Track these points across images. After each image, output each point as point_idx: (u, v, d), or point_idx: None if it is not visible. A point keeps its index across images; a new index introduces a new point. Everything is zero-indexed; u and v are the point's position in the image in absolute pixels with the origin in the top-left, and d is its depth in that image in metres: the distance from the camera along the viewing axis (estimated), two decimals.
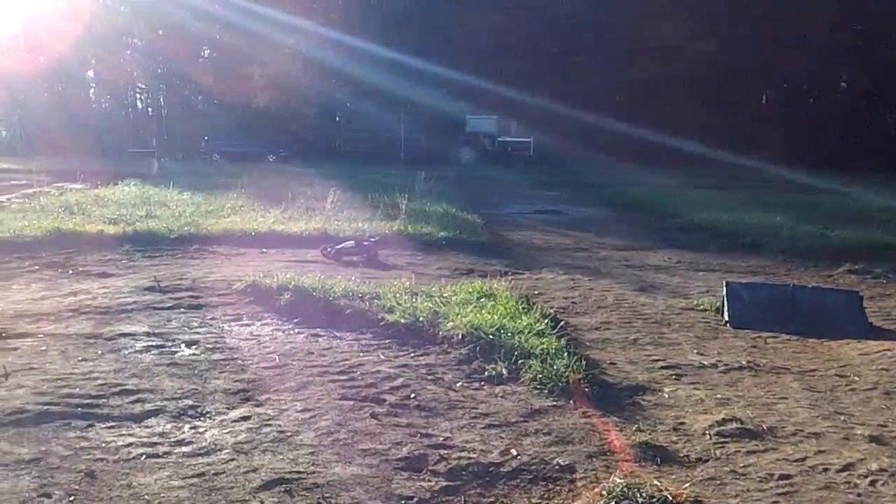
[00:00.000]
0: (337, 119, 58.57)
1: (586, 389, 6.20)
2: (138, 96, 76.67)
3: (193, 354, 7.01)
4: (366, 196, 19.07)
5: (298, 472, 4.65)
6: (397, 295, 8.60)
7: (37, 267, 11.16)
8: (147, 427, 5.33)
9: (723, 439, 5.38)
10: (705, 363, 7.23)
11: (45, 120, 62.20)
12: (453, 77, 48.10)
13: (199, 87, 67.25)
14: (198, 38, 65.32)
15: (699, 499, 4.42)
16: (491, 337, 7.18)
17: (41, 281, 10.22)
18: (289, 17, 53.98)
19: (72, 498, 4.25)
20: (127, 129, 65.11)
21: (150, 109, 76.44)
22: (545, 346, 6.92)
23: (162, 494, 4.31)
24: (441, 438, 5.24)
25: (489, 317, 7.67)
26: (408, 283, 9.22)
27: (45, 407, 5.59)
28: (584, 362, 6.64)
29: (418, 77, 49.49)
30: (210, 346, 7.27)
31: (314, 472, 4.66)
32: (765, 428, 5.57)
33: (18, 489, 4.35)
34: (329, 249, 12.40)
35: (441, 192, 21.40)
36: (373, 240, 12.66)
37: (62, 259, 11.66)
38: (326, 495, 4.38)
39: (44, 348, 7.09)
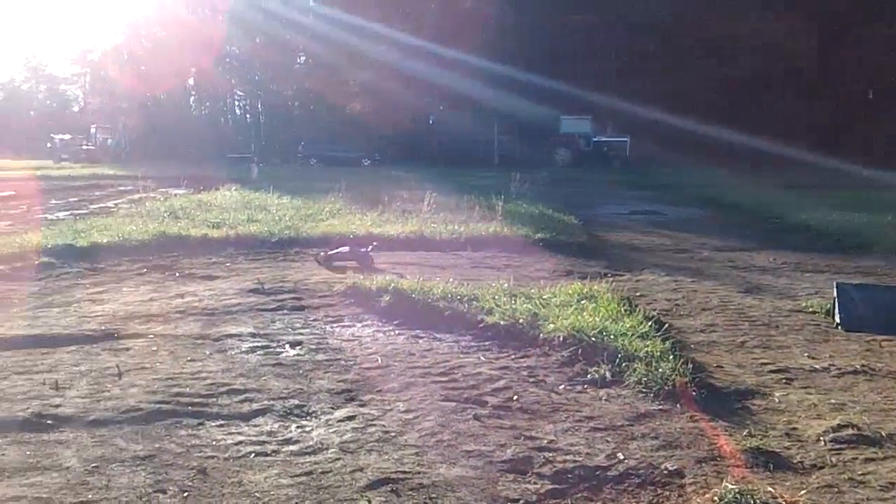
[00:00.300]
0: (430, 122, 58.93)
1: (693, 393, 6.04)
2: (236, 103, 78.80)
3: (298, 355, 7.12)
4: (461, 198, 19.11)
5: (404, 473, 4.65)
6: (496, 297, 8.58)
7: (145, 270, 11.53)
8: (255, 426, 5.42)
9: (838, 446, 5.17)
10: (817, 367, 6.96)
11: (147, 127, 64.44)
12: (546, 78, 47.91)
13: (295, 94, 68.69)
14: (293, 46, 66.73)
15: None
16: (593, 339, 7.07)
17: (149, 283, 10.54)
18: (382, 25, 54.67)
19: (185, 494, 4.35)
20: (226, 135, 66.88)
21: (247, 116, 78.45)
22: (650, 349, 6.78)
23: (271, 492, 4.37)
24: (545, 441, 5.18)
25: (591, 319, 7.57)
26: (506, 284, 9.17)
27: (158, 405, 5.75)
28: (690, 365, 6.48)
29: (511, 79, 49.47)
30: (314, 346, 7.37)
31: (420, 473, 4.66)
32: (883, 435, 5.32)
33: (135, 485, 4.47)
34: (321, 254, 12.10)
35: (536, 194, 21.30)
36: (368, 248, 12.28)
37: (168, 262, 12.01)
38: (433, 496, 4.38)
39: (154, 348, 7.31)
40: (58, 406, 5.71)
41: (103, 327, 7.99)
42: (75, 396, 5.93)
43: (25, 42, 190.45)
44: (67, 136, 66.10)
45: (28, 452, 4.94)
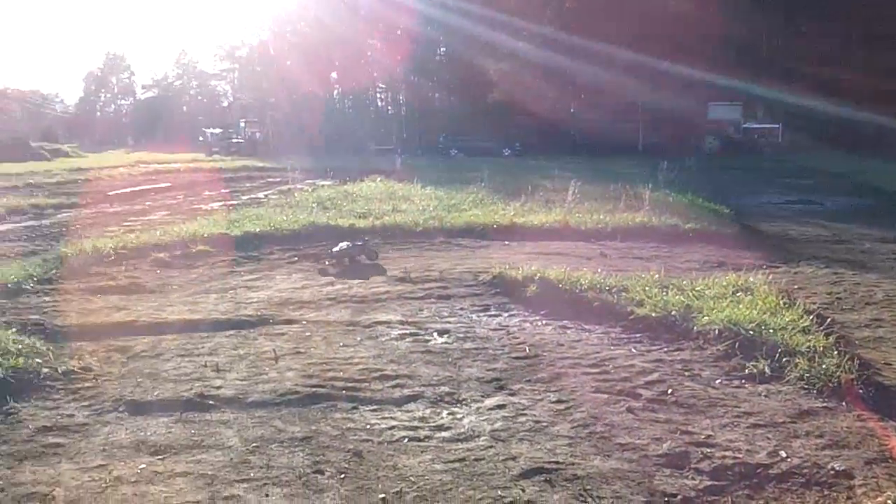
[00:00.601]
0: (571, 111, 58.34)
1: (860, 391, 5.72)
2: (378, 96, 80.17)
3: (446, 343, 7.16)
4: (606, 187, 18.81)
5: (557, 463, 4.59)
6: (646, 288, 8.37)
7: (296, 258, 11.87)
8: (407, 411, 5.47)
9: None
10: None
11: (293, 121, 66.38)
12: (693, 65, 46.53)
13: (435, 85, 69.32)
14: (434, 38, 67.34)
15: None
16: (751, 333, 6.79)
17: (301, 272, 10.84)
18: (521, 16, 54.43)
19: (342, 476, 4.43)
20: (368, 127, 68.17)
21: (389, 108, 79.75)
22: (811, 344, 6.45)
23: (426, 477, 4.40)
24: (702, 436, 5.01)
25: (747, 312, 7.27)
26: (656, 275, 8.94)
27: (313, 389, 5.89)
28: (855, 362, 6.13)
29: (655, 66, 48.30)
30: (461, 335, 7.39)
31: (573, 464, 4.59)
32: None
33: (294, 465, 4.59)
34: (332, 251, 11.39)
35: (684, 182, 20.72)
36: (364, 240, 11.94)
37: (318, 251, 12.31)
38: (587, 487, 4.30)
39: (308, 334, 7.49)
40: (219, 388, 5.94)
41: (259, 313, 8.25)
42: (235, 379, 6.15)
43: (178, 40, 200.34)
44: (218, 131, 68.99)
45: (192, 431, 5.15)
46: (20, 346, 6.53)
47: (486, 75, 58.44)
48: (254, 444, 4.89)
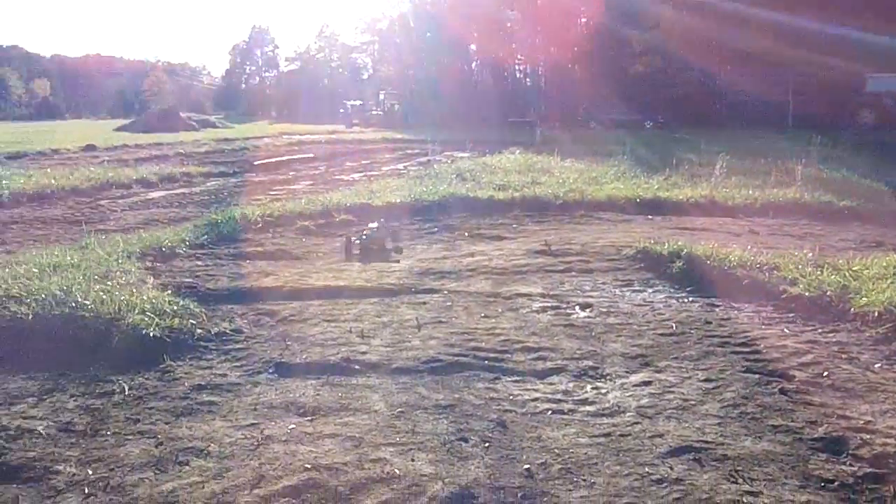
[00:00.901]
0: (716, 83, 56.39)
1: None
2: (517, 67, 79.61)
3: (588, 317, 7.07)
4: (754, 161, 18.14)
5: (706, 443, 4.47)
6: (800, 266, 8.03)
7: (436, 229, 11.98)
8: (550, 384, 5.44)
9: None
10: None
11: (432, 93, 66.82)
12: (851, 32, 44.02)
13: (575, 57, 68.23)
14: (574, 8, 66.22)
15: None
16: None
17: (441, 242, 10.94)
18: None
19: (487, 444, 4.45)
20: (506, 99, 67.91)
21: (527, 80, 79.10)
22: None
23: (571, 450, 4.36)
24: (861, 422, 4.77)
25: None
26: (810, 254, 8.56)
27: (456, 358, 5.93)
28: None
29: (807, 33, 45.96)
30: (604, 309, 7.29)
31: (723, 444, 4.45)
32: None
33: (438, 431, 4.63)
34: (354, 240, 10.43)
35: (838, 158, 19.76)
36: (381, 221, 11.18)
37: (457, 222, 12.40)
38: (738, 468, 4.17)
39: (449, 304, 7.55)
40: (364, 353, 6.06)
41: (401, 282, 8.38)
42: (379, 345, 6.26)
43: (321, 14, 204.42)
44: (358, 103, 70.30)
45: (339, 394, 5.27)
46: (175, 308, 6.82)
47: (628, 46, 57.08)
48: (399, 410, 4.97)
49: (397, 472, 4.09)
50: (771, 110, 48.49)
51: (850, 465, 4.25)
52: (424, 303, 7.59)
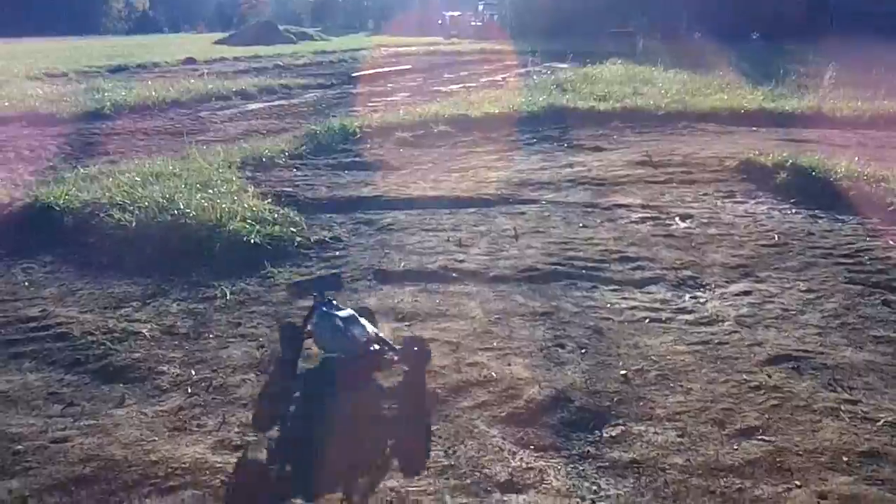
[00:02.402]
0: None
1: None
2: None
3: (688, 228, 6.97)
4: (865, 73, 17.24)
5: (805, 352, 4.41)
6: None
7: (534, 140, 11.86)
8: (648, 293, 5.42)
9: None
10: None
11: (531, 4, 65.35)
12: None
13: None
14: None
15: None
16: None
17: (539, 153, 10.83)
18: None
19: (583, 350, 4.48)
20: (608, 9, 65.94)
21: None
22: None
23: (668, 357, 4.36)
24: None
25: None
26: None
27: (553, 267, 5.95)
28: None
29: None
30: (705, 220, 7.17)
31: (822, 353, 4.39)
32: None
33: (535, 337, 4.68)
34: None
35: None
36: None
37: (557, 133, 12.24)
38: (837, 377, 4.11)
39: (546, 214, 7.54)
40: (461, 261, 6.12)
41: (499, 192, 8.37)
42: (477, 254, 6.32)
43: None
44: (456, 14, 69.25)
45: (437, 301, 5.36)
46: (275, 216, 6.97)
47: None
48: (496, 316, 5.03)
49: (494, 375, 4.17)
50: (887, 20, 45.84)
51: None
52: (522, 213, 7.59)
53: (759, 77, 18.19)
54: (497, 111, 13.66)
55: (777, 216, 7.32)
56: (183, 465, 3.40)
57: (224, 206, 6.94)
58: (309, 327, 4.45)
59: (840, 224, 7.03)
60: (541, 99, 14.75)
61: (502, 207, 7.81)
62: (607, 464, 3.39)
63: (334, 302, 4.54)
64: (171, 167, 8.61)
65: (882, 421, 3.65)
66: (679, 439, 3.55)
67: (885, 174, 8.02)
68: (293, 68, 27.12)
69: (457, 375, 4.18)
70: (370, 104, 16.74)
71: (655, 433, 3.61)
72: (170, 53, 32.21)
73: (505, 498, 3.16)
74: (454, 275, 5.83)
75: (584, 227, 7.02)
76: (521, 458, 3.43)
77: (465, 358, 4.39)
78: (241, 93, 18.46)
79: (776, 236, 6.60)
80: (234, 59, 30.42)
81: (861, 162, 8.63)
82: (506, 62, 30.06)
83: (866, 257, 6.05)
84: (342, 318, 4.29)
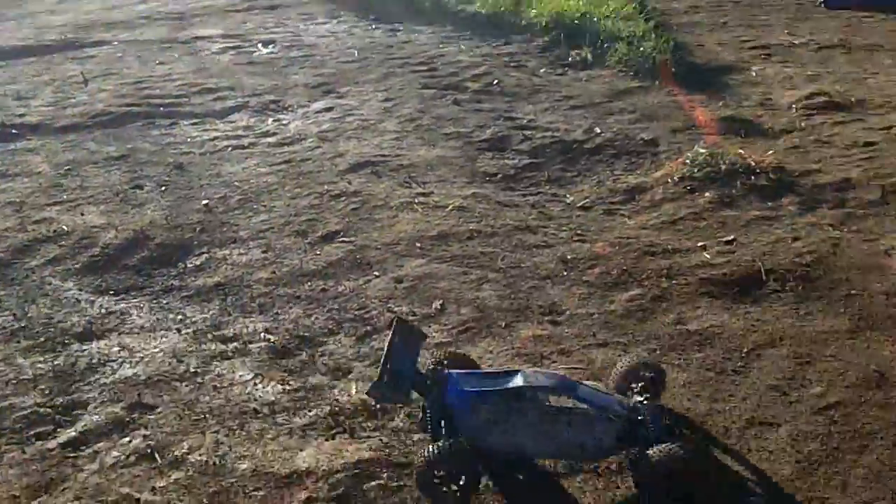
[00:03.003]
0: None
1: (673, 70, 5.90)
2: None
3: (271, 53, 6.86)
4: None
5: (384, 156, 4.58)
6: None
7: None
8: (230, 122, 5.29)
9: (809, 112, 5.10)
10: (796, 42, 6.73)
11: None
12: None
13: None
14: None
15: (782, 165, 4.22)
16: (576, 22, 6.81)
17: None
18: None
19: (163, 188, 4.29)
20: None
21: None
22: (632, 30, 6.54)
23: (251, 181, 4.31)
24: (524, 121, 5.08)
25: (574, 2, 7.22)
26: None
27: (127, 108, 5.58)
28: (671, 44, 6.30)
29: None
30: (287, 44, 7.08)
31: (399, 155, 4.59)
32: (853, 101, 5.23)
33: (110, 183, 4.40)
34: None
35: None
36: None
37: None
38: (412, 175, 4.33)
39: (120, 55, 7.01)
40: (22, 115, 5.55)
41: (64, 37, 7.63)
42: (40, 105, 5.75)
43: None
44: None
45: None
46: None
47: None
48: (65, 168, 4.64)
49: (65, 228, 3.86)
50: None
51: (512, 158, 4.56)
52: (93, 56, 6.99)
53: None
54: None
55: (358, 33, 7.41)
56: None
57: None
58: None
59: (417, 35, 7.27)
60: None
61: (68, 53, 7.12)
62: (192, 292, 3.31)
63: None
64: None
65: (451, 206, 3.90)
66: (263, 255, 3.55)
67: None
68: None
69: (22, 235, 3.82)
70: None
71: (240, 254, 3.58)
72: None
73: (84, 346, 2.98)
74: (14, 131, 5.26)
75: (161, 63, 6.64)
76: (101, 305, 3.25)
77: (31, 216, 4.02)
78: None
79: (356, 52, 6.69)
80: None
81: None
82: None
83: (439, 63, 6.33)
84: None
